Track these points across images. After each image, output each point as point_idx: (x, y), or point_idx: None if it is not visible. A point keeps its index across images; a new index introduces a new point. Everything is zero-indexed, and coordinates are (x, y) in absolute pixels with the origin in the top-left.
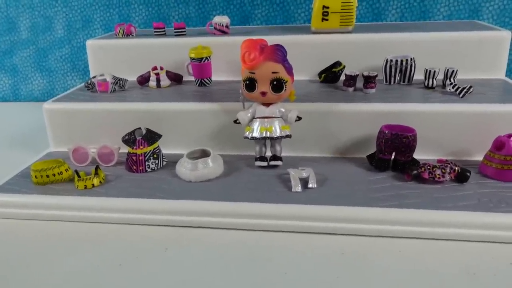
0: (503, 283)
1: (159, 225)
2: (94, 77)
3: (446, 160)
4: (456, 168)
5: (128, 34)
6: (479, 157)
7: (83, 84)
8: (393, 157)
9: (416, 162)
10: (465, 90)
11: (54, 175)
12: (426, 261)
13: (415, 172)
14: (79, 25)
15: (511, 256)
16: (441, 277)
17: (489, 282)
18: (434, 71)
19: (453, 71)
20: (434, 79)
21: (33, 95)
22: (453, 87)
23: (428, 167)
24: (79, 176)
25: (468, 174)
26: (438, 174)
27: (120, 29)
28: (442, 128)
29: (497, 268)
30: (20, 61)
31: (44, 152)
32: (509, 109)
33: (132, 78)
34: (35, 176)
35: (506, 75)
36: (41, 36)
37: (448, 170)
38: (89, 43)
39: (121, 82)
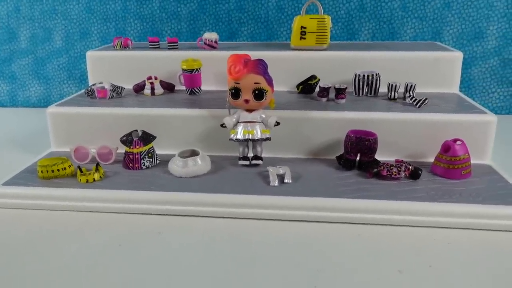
0: (435, 259)
1: (152, 214)
2: (94, 84)
3: (402, 160)
4: (410, 167)
5: (125, 47)
6: (432, 159)
7: (83, 90)
8: (358, 158)
9: (377, 162)
10: (421, 101)
11: (58, 170)
12: (381, 242)
13: (375, 170)
14: (77, 37)
15: (448, 238)
16: (390, 254)
17: (430, 258)
18: (396, 85)
19: (411, 85)
20: (396, 92)
21: (30, 101)
22: (411, 99)
23: (387, 166)
24: (81, 171)
25: (420, 172)
26: (395, 172)
27: (118, 42)
28: (401, 134)
29: (436, 247)
30: (19, 69)
31: (46, 152)
32: (456, 118)
33: (129, 86)
34: (41, 171)
35: (459, 90)
36: (40, 46)
37: (403, 168)
38: (89, 54)
39: (118, 89)
